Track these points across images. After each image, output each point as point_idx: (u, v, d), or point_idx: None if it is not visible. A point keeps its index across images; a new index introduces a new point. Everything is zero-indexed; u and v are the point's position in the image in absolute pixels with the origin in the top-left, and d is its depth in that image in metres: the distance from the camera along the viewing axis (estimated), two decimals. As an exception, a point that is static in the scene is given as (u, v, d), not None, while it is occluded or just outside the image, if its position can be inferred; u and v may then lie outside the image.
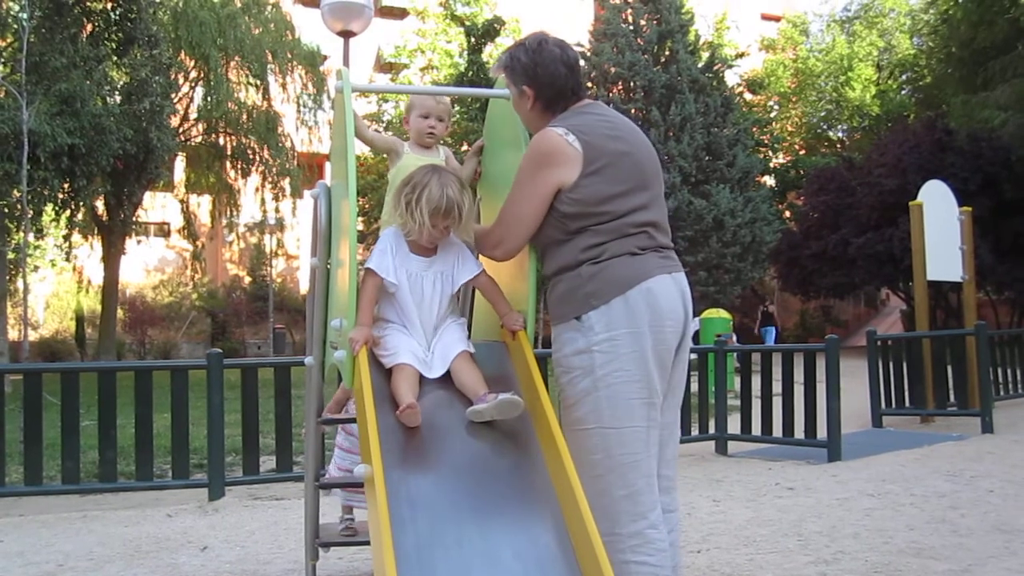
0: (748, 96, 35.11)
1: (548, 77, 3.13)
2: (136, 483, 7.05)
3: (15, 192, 18.45)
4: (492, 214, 3.48)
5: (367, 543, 4.36)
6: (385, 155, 3.74)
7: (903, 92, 37.28)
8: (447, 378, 3.11)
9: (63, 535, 5.89)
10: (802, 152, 39.24)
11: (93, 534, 5.89)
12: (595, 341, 2.93)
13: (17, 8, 19.31)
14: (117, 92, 22.70)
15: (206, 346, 29.59)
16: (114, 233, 26.31)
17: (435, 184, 3.11)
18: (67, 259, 26.28)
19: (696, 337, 17.01)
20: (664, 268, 3.05)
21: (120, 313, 30.08)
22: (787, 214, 33.59)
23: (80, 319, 33.46)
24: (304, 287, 36.38)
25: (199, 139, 29.27)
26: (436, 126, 3.58)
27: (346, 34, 10.50)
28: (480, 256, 3.34)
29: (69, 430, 6.75)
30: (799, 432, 8.73)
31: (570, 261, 3.02)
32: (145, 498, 7.10)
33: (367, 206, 26.89)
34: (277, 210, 30.38)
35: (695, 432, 9.02)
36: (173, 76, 24.94)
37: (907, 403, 10.93)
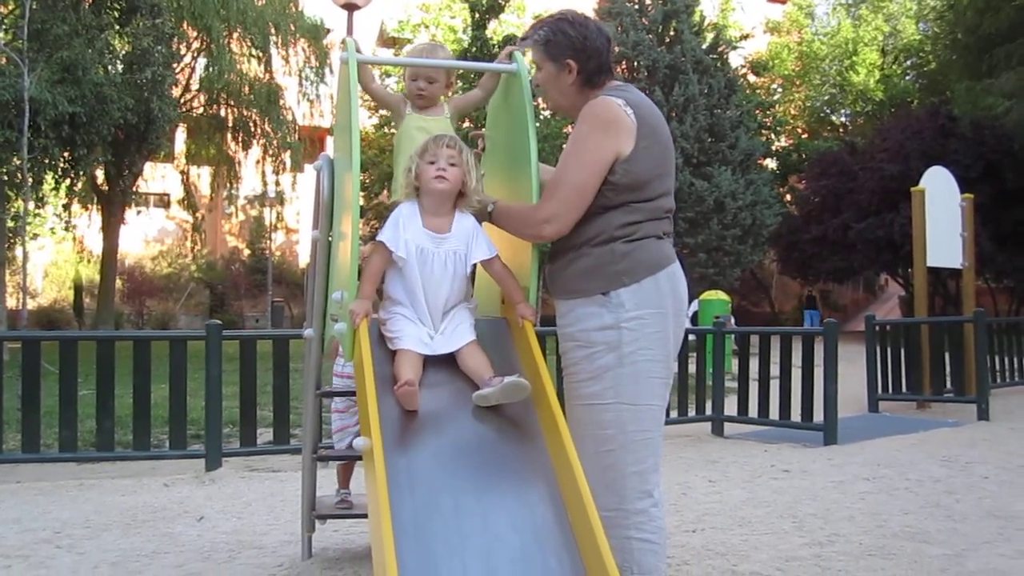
0: (752, 78, 34.98)
1: (595, 50, 3.11)
2: (133, 452, 7.06)
3: (15, 160, 18.41)
4: (497, 190, 3.48)
5: (363, 516, 4.37)
6: (390, 115, 3.69)
7: (907, 78, 37.14)
8: (450, 357, 3.10)
9: (60, 502, 5.90)
10: (804, 136, 39.12)
11: (90, 502, 5.91)
12: (624, 318, 2.93)
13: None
14: (119, 61, 22.62)
15: (204, 318, 29.56)
16: (114, 203, 26.27)
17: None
18: (66, 228, 26.24)
19: (695, 319, 17.03)
20: (675, 256, 3.11)
21: (118, 283, 30.08)
22: (788, 197, 33.55)
23: (78, 288, 33.45)
24: (303, 261, 36.37)
25: (200, 110, 29.15)
26: (425, 88, 3.51)
27: (350, 7, 10.47)
28: (514, 236, 3.22)
29: (67, 399, 6.76)
30: (795, 415, 8.75)
31: (601, 236, 3.00)
32: (142, 467, 7.12)
33: (367, 180, 26.81)
34: (277, 183, 30.31)
35: (692, 413, 9.04)
36: (175, 46, 24.80)
37: (904, 389, 10.95)
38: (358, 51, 3.36)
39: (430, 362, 3.07)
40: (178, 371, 7.01)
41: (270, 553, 4.65)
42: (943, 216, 11.56)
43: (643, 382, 2.95)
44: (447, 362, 3.09)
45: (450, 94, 3.69)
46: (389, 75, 28.06)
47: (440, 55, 3.62)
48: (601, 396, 2.94)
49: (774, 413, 8.91)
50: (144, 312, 32.61)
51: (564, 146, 3.05)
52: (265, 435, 7.55)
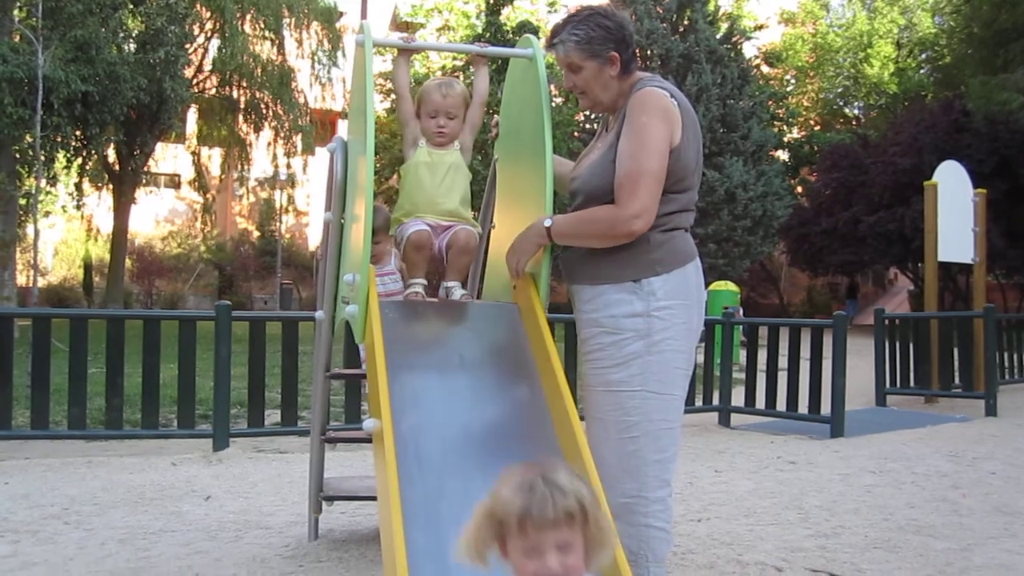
0: (765, 69, 34.91)
1: (630, 37, 3.11)
2: (141, 431, 7.09)
3: (28, 137, 18.46)
4: (510, 176, 3.48)
5: (371, 498, 4.39)
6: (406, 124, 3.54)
7: (922, 71, 36.97)
8: (462, 338, 3.12)
9: (68, 479, 5.94)
10: (817, 128, 39.00)
11: (98, 479, 5.94)
12: (655, 307, 2.93)
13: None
14: (132, 40, 22.65)
15: (213, 299, 29.68)
16: (125, 182, 26.33)
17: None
18: (77, 207, 26.31)
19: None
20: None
21: (128, 263, 30.17)
22: (799, 189, 33.46)
23: (88, 267, 33.58)
24: (313, 244, 36.44)
25: (212, 91, 29.19)
26: (445, 125, 3.41)
27: (365, -10, 10.42)
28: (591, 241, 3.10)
29: (76, 376, 6.79)
30: (803, 407, 8.75)
31: None
32: (150, 446, 7.15)
33: (378, 164, 26.81)
34: (288, 166, 30.36)
35: (699, 403, 9.04)
36: (188, 27, 24.83)
37: (912, 383, 10.93)
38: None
39: (443, 344, 3.09)
40: (187, 351, 7.03)
41: (277, 533, 4.67)
42: (955, 211, 11.52)
43: (669, 371, 2.95)
44: (460, 346, 3.11)
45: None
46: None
47: (456, 88, 3.49)
48: (628, 383, 2.93)
49: (781, 405, 8.90)
50: (153, 292, 32.73)
51: (620, 143, 2.97)
52: (273, 416, 7.57)
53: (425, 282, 3.36)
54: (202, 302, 32.13)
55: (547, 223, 3.10)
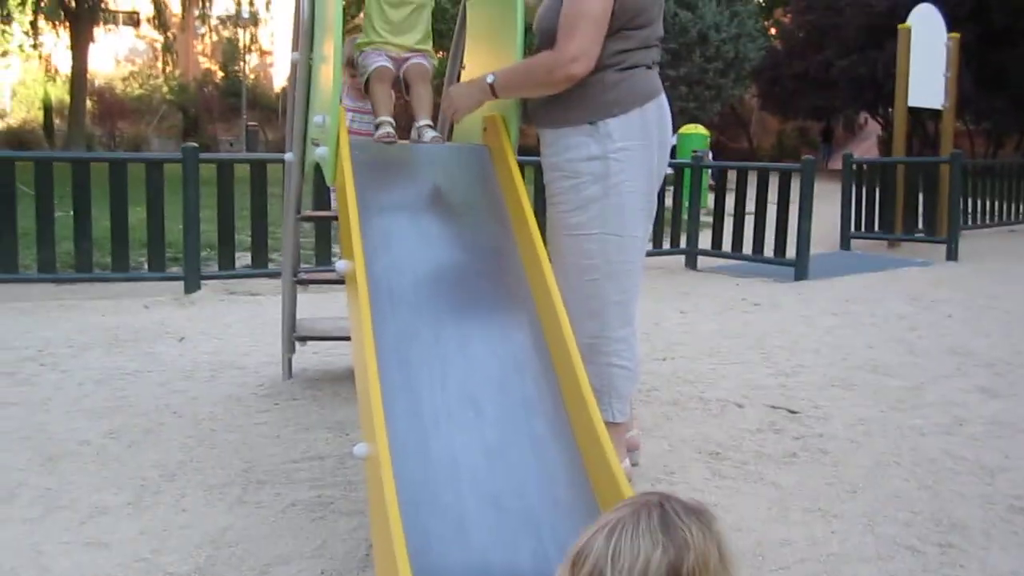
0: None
1: None
2: (112, 274, 7.09)
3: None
4: (479, 13, 3.42)
5: (343, 338, 4.46)
6: None
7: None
8: (433, 180, 3.13)
9: (42, 322, 5.96)
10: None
11: (71, 322, 5.97)
12: (612, 149, 2.92)
13: None
14: None
15: (177, 141, 29.21)
16: (81, 20, 25.46)
17: None
18: (34, 46, 25.56)
19: (673, 152, 16.87)
20: (662, 86, 3.07)
21: (89, 104, 29.49)
22: (773, 31, 32.95)
23: (48, 109, 32.79)
24: (279, 84, 35.73)
25: (170, -79, 28.03)
26: None
27: None
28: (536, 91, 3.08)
29: (44, 220, 6.75)
30: (768, 250, 8.87)
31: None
32: (121, 289, 7.16)
33: (346, 2, 26.09)
34: (251, 3, 29.44)
35: (666, 246, 9.13)
36: None
37: (876, 227, 11.08)
38: None
39: (414, 186, 3.11)
40: (155, 193, 6.98)
41: (251, 373, 4.76)
42: (928, 55, 11.42)
43: (628, 213, 2.97)
44: (432, 188, 3.13)
45: None
46: None
47: None
48: (586, 227, 2.96)
49: (747, 248, 9.02)
50: (116, 134, 32.13)
51: None
52: (244, 259, 7.59)
53: (394, 121, 3.35)
54: (167, 144, 31.62)
55: (489, 79, 3.07)
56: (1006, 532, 2.94)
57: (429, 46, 3.53)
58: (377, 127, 3.33)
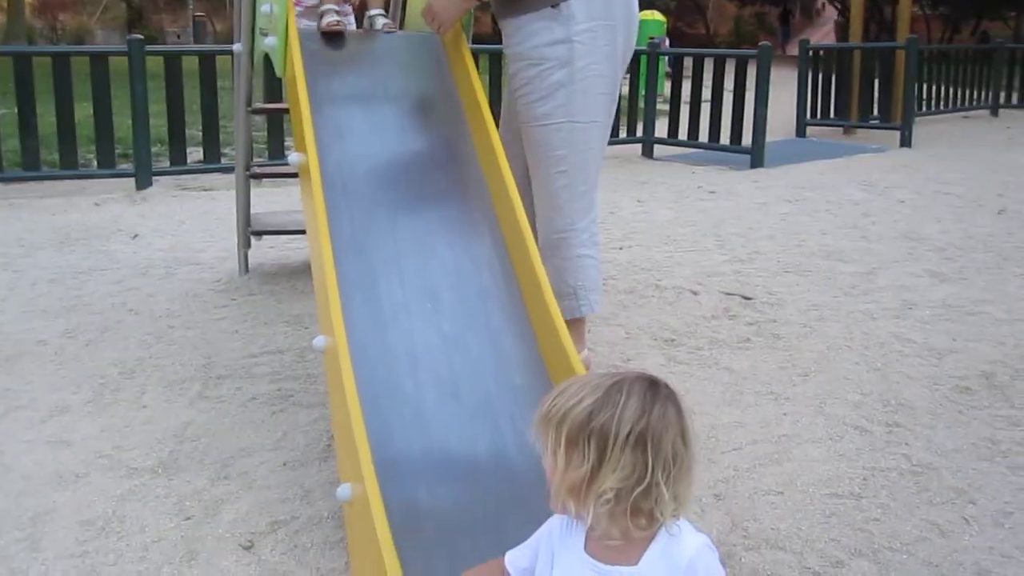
0: None
1: None
2: (60, 171, 6.95)
3: None
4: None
5: (299, 232, 4.44)
6: None
7: None
8: (385, 70, 3.08)
9: (-10, 221, 5.86)
10: None
11: (20, 221, 5.87)
12: (576, 31, 2.83)
13: None
14: None
15: (122, 33, 28.39)
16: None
17: None
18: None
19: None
20: None
21: (28, -5, 28.47)
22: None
23: (-16, 0, 31.62)
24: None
25: None
26: None
27: None
28: None
29: (-14, 116, 6.58)
30: (725, 138, 8.88)
31: None
32: (70, 187, 7.02)
33: None
34: None
35: (623, 135, 9.07)
36: None
37: (832, 114, 11.09)
38: None
39: (366, 76, 3.06)
40: (101, 88, 6.80)
41: (208, 269, 4.73)
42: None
43: (591, 99, 2.91)
44: (384, 77, 3.08)
45: None
46: None
47: None
48: (552, 116, 2.88)
49: (704, 136, 9.02)
50: (57, 27, 31.14)
51: None
52: (195, 154, 7.46)
53: (339, 8, 3.27)
54: (111, 36, 30.71)
55: None
56: (951, 411, 3.03)
57: None
58: (321, 16, 3.25)
